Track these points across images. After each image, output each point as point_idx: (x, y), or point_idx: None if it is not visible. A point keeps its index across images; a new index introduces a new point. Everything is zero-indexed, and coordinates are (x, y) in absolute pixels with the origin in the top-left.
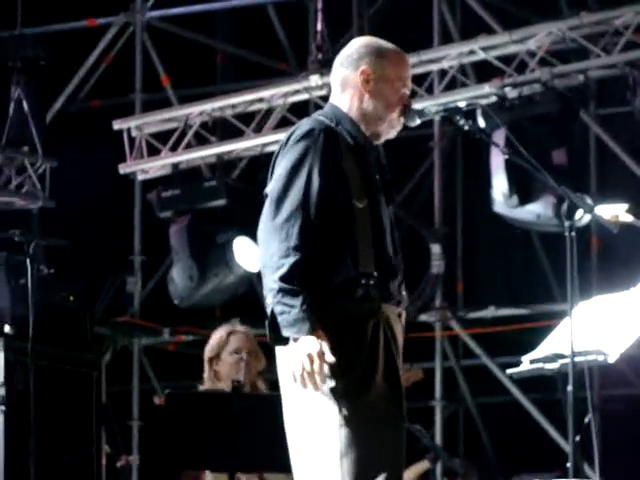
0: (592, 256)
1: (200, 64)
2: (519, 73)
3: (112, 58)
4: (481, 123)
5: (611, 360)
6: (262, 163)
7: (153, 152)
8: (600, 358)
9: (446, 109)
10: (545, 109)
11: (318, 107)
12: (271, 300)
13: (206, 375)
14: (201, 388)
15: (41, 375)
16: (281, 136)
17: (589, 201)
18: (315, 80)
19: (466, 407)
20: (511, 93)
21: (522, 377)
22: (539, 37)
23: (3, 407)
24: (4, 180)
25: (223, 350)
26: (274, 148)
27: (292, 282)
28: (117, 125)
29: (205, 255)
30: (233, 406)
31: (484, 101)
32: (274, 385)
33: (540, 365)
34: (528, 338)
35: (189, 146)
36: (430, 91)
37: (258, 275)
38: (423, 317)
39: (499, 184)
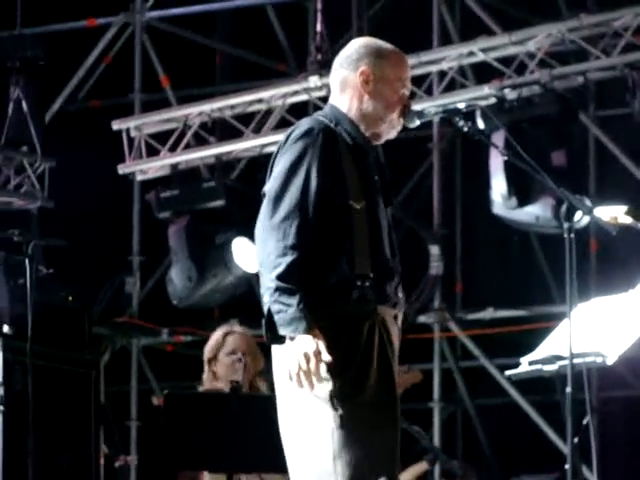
0: (591, 258)
1: (199, 65)
2: (518, 74)
3: (111, 58)
4: (480, 124)
5: (610, 362)
6: (261, 164)
7: (152, 152)
8: (599, 360)
9: (445, 110)
10: (544, 111)
11: (317, 108)
12: (268, 299)
13: (205, 376)
14: (200, 389)
15: (39, 375)
16: (280, 137)
17: (588, 203)
18: (314, 81)
19: (464, 408)
20: (510, 94)
21: (521, 379)
22: (538, 39)
23: (1, 407)
24: (3, 180)
25: (220, 351)
26: (273, 149)
27: (289, 281)
28: (116, 125)
29: (204, 256)
30: (231, 407)
31: (483, 102)
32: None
33: (539, 367)
34: (527, 340)
35: (188, 146)
36: (429, 92)
37: (257, 276)
38: (422, 318)
39: (498, 185)
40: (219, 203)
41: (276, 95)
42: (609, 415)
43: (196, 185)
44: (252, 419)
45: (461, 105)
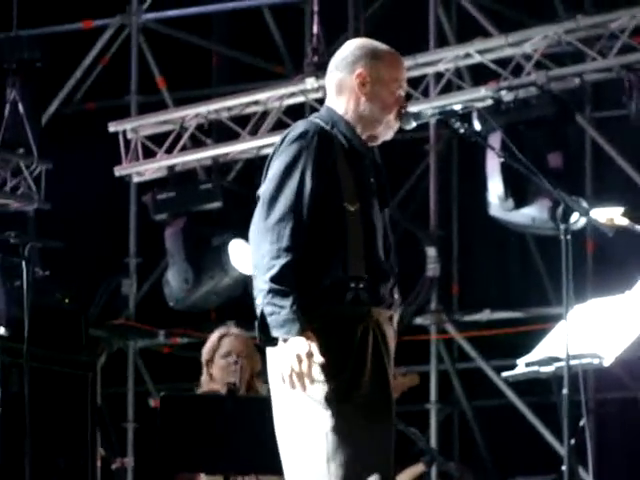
0: (587, 259)
1: (196, 66)
2: (515, 76)
3: (108, 60)
4: (477, 126)
5: (606, 363)
6: (258, 166)
7: (149, 154)
8: (595, 361)
9: (442, 112)
10: (541, 112)
11: (314, 110)
12: (261, 301)
13: (203, 378)
14: (198, 391)
15: (36, 377)
16: (277, 139)
17: (584, 204)
18: (311, 83)
19: (461, 410)
20: (507, 96)
21: (517, 380)
22: (535, 40)
23: None
24: None
25: (215, 353)
26: (270, 151)
27: (282, 283)
28: (113, 127)
29: (200, 258)
30: (228, 409)
31: (480, 104)
32: None
33: (535, 368)
34: (523, 341)
35: (185, 148)
36: (426, 94)
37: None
38: (418, 320)
39: (495, 187)
40: (216, 205)
41: (273, 97)
42: (605, 417)
43: (193, 187)
44: (248, 421)
45: (457, 107)
